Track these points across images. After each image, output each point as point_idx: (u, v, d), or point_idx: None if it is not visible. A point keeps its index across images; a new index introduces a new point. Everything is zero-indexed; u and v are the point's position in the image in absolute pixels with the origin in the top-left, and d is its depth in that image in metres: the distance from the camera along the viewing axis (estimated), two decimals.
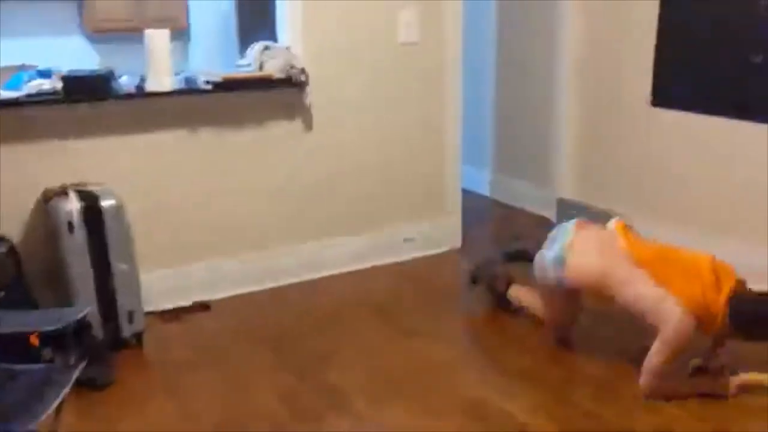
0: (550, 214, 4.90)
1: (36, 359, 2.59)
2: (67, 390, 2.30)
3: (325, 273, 4.07)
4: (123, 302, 3.23)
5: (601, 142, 4.59)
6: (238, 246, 3.88)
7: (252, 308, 3.74)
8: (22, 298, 3.10)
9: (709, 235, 3.91)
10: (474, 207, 5.01)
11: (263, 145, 3.84)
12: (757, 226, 3.70)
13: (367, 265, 4.19)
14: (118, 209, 3.19)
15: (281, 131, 3.88)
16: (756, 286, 3.57)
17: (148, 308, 3.49)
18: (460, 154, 4.42)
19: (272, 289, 3.93)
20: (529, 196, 5.14)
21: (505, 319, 3.55)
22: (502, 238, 4.80)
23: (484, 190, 5.51)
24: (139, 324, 3.30)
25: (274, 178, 3.92)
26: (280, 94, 3.80)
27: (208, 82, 3.56)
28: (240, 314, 3.67)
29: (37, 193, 3.31)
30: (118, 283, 3.21)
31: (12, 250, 3.16)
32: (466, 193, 4.59)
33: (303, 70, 3.74)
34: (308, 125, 3.93)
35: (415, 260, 4.31)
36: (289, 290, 3.93)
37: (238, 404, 2.88)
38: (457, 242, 4.51)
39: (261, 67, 3.70)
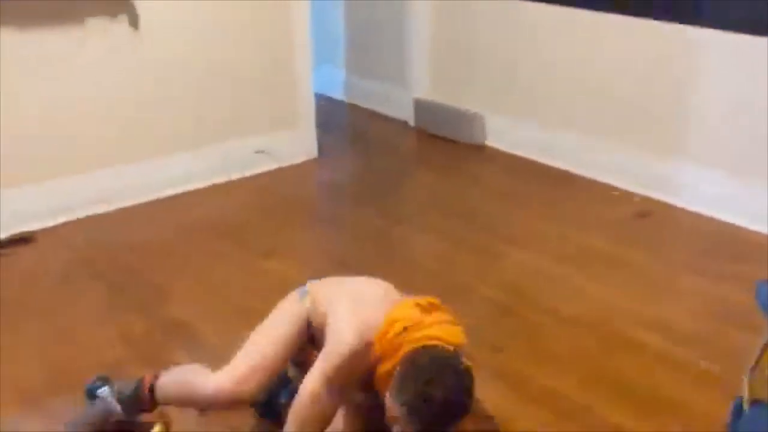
0: (408, 116, 4.68)
1: None
2: None
3: (168, 192, 3.65)
4: None
5: (458, 40, 4.37)
6: (63, 166, 3.37)
7: (82, 238, 3.29)
8: None
9: (563, 133, 3.87)
10: (329, 112, 4.70)
11: (82, 47, 3.30)
12: (621, 125, 3.68)
13: (215, 181, 3.81)
14: None
15: (103, 31, 3.33)
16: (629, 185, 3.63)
17: None
18: (311, 57, 4.06)
19: (107, 215, 3.48)
20: (385, 98, 4.88)
21: (366, 232, 3.36)
22: (360, 145, 4.56)
23: (339, 94, 5.19)
24: None
25: (101, 88, 3.40)
26: None
27: None
28: (68, 246, 3.22)
29: None
30: None
31: None
32: (319, 97, 4.26)
33: None
34: (135, 23, 3.41)
35: (268, 174, 3.98)
36: (126, 214, 3.50)
37: (74, 356, 2.50)
38: (313, 152, 4.20)
39: None
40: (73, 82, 3.33)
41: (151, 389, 2.03)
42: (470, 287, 2.86)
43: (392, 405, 1.78)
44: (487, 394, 2.12)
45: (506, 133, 4.20)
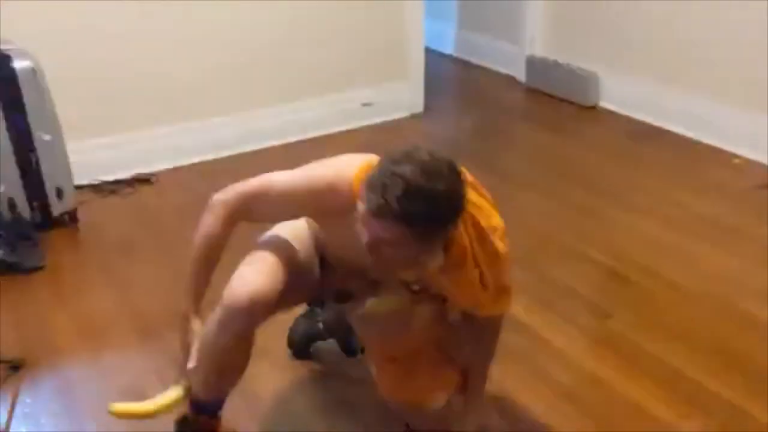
0: (519, 73, 4.57)
1: None
2: None
3: (275, 142, 3.73)
4: (50, 177, 2.89)
5: None
6: (180, 113, 3.51)
7: (197, 181, 3.40)
8: None
9: (690, 95, 3.68)
10: (437, 66, 4.64)
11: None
12: (747, 91, 3.46)
13: (322, 132, 3.85)
14: (35, 70, 2.77)
15: None
16: (751, 154, 3.44)
17: (82, 182, 3.16)
18: (422, 10, 4.01)
19: (218, 160, 3.60)
20: (496, 53, 4.78)
21: None
22: (467, 100, 4.50)
23: (448, 48, 5.12)
24: (70, 201, 2.98)
25: (215, 38, 3.48)
26: None
27: None
28: (184, 188, 3.35)
29: None
30: (43, 156, 2.85)
31: None
32: (427, 51, 4.22)
33: None
34: None
35: (374, 127, 3.99)
36: (236, 161, 3.60)
37: (179, 289, 2.61)
38: (419, 106, 4.18)
39: None
40: (195, 27, 3.42)
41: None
42: (577, 250, 2.80)
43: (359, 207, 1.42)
44: (594, 360, 2.09)
45: (621, 95, 4.04)
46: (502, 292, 1.68)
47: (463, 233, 1.53)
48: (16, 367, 2.21)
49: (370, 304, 1.73)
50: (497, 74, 4.77)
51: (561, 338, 2.32)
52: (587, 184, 3.33)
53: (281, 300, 1.64)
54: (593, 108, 4.15)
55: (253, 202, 1.65)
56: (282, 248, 1.70)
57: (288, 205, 1.63)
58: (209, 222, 1.66)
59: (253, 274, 1.61)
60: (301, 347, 2.20)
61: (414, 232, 1.37)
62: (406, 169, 1.35)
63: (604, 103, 4.14)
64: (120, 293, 2.60)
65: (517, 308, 2.45)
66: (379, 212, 1.35)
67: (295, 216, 1.74)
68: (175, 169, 3.49)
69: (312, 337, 2.19)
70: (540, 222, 3.04)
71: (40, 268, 2.71)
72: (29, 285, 2.63)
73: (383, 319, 1.75)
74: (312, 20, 3.69)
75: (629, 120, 3.97)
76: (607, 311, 2.44)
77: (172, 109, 3.48)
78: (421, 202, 1.34)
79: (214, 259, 1.68)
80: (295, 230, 1.76)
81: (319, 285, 1.80)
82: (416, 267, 1.51)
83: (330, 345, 2.20)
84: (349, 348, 2.15)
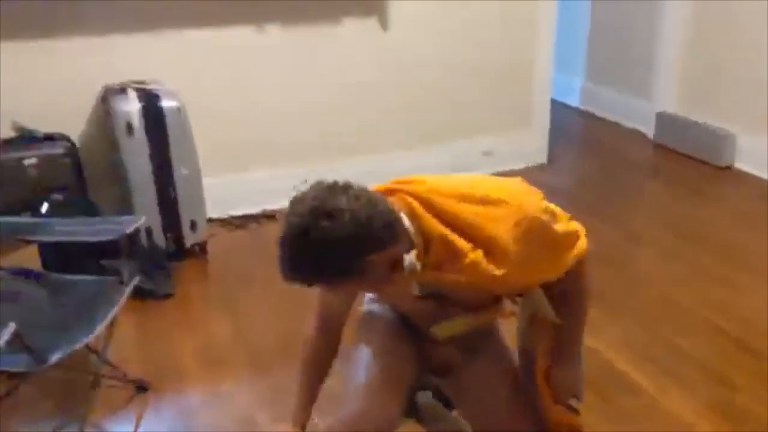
0: (648, 128, 4.46)
1: (93, 270, 2.46)
2: (121, 303, 2.18)
3: None
4: (185, 210, 3.07)
5: (710, 50, 4.07)
6: (307, 153, 3.64)
7: None
8: (81, 203, 2.97)
9: None
10: (562, 118, 4.60)
11: (335, 45, 3.52)
12: None
13: None
14: (180, 110, 2.97)
15: (355, 28, 3.54)
16: None
17: (213, 215, 3.33)
18: (552, 61, 4.00)
19: None
20: (624, 108, 4.68)
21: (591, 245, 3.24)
22: (592, 154, 4.42)
23: (574, 101, 5.07)
24: (202, 233, 3.15)
25: (345, 82, 3.61)
26: None
27: None
28: None
29: (95, 91, 3.13)
30: (180, 189, 3.04)
31: (71, 151, 3.01)
32: (553, 102, 4.19)
33: None
34: (384, 22, 3.57)
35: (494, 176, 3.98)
36: None
37: (298, 327, 2.69)
38: (542, 158, 4.15)
39: None
40: (323, 75, 3.57)
41: None
42: (703, 316, 2.67)
43: None
44: (709, 426, 1.98)
45: (759, 155, 3.85)
46: (556, 246, 1.54)
47: (432, 224, 1.47)
48: (142, 387, 2.34)
49: (436, 329, 1.69)
50: (624, 129, 4.67)
51: (681, 406, 2.21)
52: (718, 248, 3.18)
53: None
54: (728, 168, 3.98)
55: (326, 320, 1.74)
56: (388, 352, 1.71)
57: (348, 296, 1.72)
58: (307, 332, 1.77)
59: (377, 400, 1.62)
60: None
61: (330, 281, 1.44)
62: (286, 237, 1.38)
63: (740, 164, 3.96)
64: (240, 325, 2.71)
65: (635, 371, 2.38)
66: (292, 281, 1.41)
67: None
68: None
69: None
70: (664, 284, 2.92)
71: (171, 295, 2.88)
72: (159, 311, 2.79)
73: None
74: (439, 68, 3.76)
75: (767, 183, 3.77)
76: (733, 383, 2.31)
77: (299, 151, 3.62)
78: (309, 264, 1.37)
79: (319, 365, 1.73)
80: (385, 319, 1.77)
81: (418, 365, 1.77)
82: (392, 282, 1.47)
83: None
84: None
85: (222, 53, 3.34)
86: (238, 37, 3.34)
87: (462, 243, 1.46)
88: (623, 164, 4.23)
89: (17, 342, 1.79)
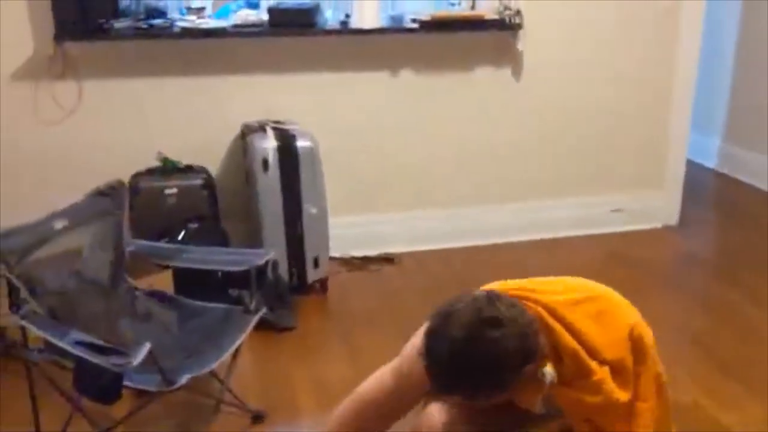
0: None
1: (221, 298, 2.55)
2: (246, 333, 2.23)
3: (521, 238, 3.74)
4: (310, 247, 3.14)
5: None
6: (431, 200, 3.66)
7: (438, 266, 3.51)
8: (214, 232, 3.09)
9: None
10: (695, 179, 4.40)
11: (467, 93, 3.54)
12: None
13: (568, 234, 3.80)
14: (313, 150, 3.07)
15: (488, 77, 3.55)
16: None
17: (333, 254, 3.39)
18: (689, 119, 3.86)
19: (461, 249, 3.67)
20: (763, 170, 4.43)
21: (723, 312, 3.05)
22: (727, 217, 4.19)
23: (710, 162, 4.85)
24: (324, 270, 3.20)
25: (476, 130, 3.62)
26: (491, 36, 3.47)
27: (414, 20, 3.31)
28: (425, 271, 3.46)
29: (235, 127, 3.28)
30: (307, 226, 3.11)
31: (209, 183, 3.16)
32: (687, 162, 4.02)
33: (518, 12, 3.39)
34: (517, 73, 3.57)
35: (622, 234, 3.85)
36: (479, 252, 3.66)
37: None
38: (673, 219, 3.98)
39: (473, 6, 3.39)
40: (452, 122, 3.59)
41: None
42: None
43: None
44: None
45: None
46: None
47: (565, 338, 1.43)
48: (259, 417, 2.38)
49: None
50: (761, 192, 4.41)
51: None
52: None
53: None
54: None
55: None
56: None
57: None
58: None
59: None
60: None
61: (486, 394, 1.39)
62: (445, 351, 1.35)
63: None
64: (356, 363, 2.71)
65: None
66: (447, 395, 1.43)
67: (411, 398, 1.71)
68: (418, 252, 3.62)
69: None
70: None
71: (291, 328, 2.93)
72: (278, 343, 2.84)
73: None
74: (572, 121, 3.71)
75: None
76: None
77: (422, 196, 3.64)
78: (473, 377, 1.34)
79: None
80: None
81: None
82: (526, 395, 1.45)
83: None
84: None
85: (356, 97, 3.43)
86: (372, 81, 3.43)
87: (590, 360, 1.43)
88: (759, 228, 3.98)
89: (150, 361, 1.87)
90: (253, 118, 3.24)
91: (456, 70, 3.51)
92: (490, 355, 1.32)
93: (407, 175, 3.60)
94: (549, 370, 1.40)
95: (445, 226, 3.68)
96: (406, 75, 3.46)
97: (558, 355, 1.43)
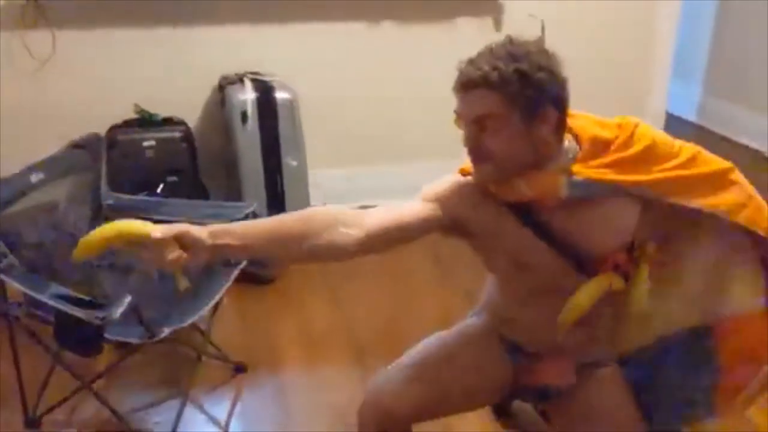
0: (765, 146, 4.23)
1: None
2: (227, 285, 2.24)
3: None
4: (291, 200, 3.13)
5: None
6: (413, 152, 3.64)
7: None
8: (194, 186, 3.08)
9: None
10: (674, 133, 4.40)
11: (448, 43, 3.51)
12: None
13: None
14: (292, 102, 3.04)
15: (469, 27, 3.51)
16: None
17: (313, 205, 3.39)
18: (669, 70, 3.86)
19: None
20: (746, 125, 4.45)
21: None
22: None
23: (690, 115, 4.86)
24: None
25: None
26: None
27: None
28: None
29: (213, 79, 3.24)
30: (287, 180, 3.10)
31: (187, 136, 3.12)
32: (668, 116, 4.03)
33: None
34: (498, 23, 3.54)
35: None
36: None
37: (398, 318, 2.72)
38: None
39: None
40: (432, 73, 3.54)
41: None
42: None
43: None
44: None
45: None
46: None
47: (583, 123, 1.49)
48: (240, 368, 2.41)
49: (563, 314, 1.52)
50: (740, 146, 4.45)
51: None
52: None
53: (446, 408, 1.60)
54: None
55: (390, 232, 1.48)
56: (440, 355, 1.62)
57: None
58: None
59: (390, 384, 1.56)
60: (500, 406, 2.16)
61: (506, 94, 1.35)
62: (490, 45, 1.40)
63: None
64: (339, 311, 2.75)
65: None
66: (467, 83, 1.38)
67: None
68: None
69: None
70: None
71: (272, 280, 2.94)
72: (260, 295, 2.86)
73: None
74: None
75: None
76: None
77: (405, 149, 3.63)
78: (506, 59, 1.36)
79: (287, 231, 1.40)
80: (461, 331, 1.70)
81: (507, 382, 1.66)
82: (534, 147, 1.41)
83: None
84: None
85: (335, 48, 3.39)
86: (352, 32, 3.38)
87: (608, 136, 1.46)
88: None
89: (131, 314, 1.88)
90: (231, 70, 3.20)
91: (437, 20, 3.47)
92: (520, 55, 1.37)
93: (388, 127, 3.58)
94: (567, 141, 1.45)
95: (425, 178, 3.66)
96: (387, 25, 3.42)
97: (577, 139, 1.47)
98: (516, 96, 1.36)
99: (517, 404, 2.13)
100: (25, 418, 2.11)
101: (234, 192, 3.15)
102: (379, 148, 3.61)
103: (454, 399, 1.59)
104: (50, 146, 2.28)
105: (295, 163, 3.08)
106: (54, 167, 2.19)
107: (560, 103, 1.41)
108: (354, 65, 3.44)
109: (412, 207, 1.50)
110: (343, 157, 3.57)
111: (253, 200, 2.98)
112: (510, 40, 1.42)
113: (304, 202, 3.17)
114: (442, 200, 1.50)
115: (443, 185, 1.52)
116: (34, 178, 2.11)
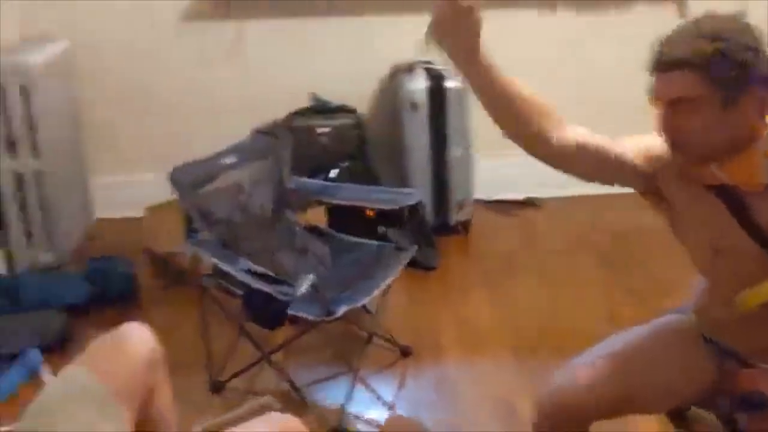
0: None
1: (369, 234, 2.63)
2: (398, 270, 2.30)
3: None
4: (455, 189, 3.16)
5: None
6: None
7: (585, 213, 3.43)
8: (363, 171, 3.17)
9: None
10: None
11: (627, 29, 3.38)
12: None
13: None
14: (463, 92, 3.05)
15: (649, 16, 3.38)
16: None
17: (477, 196, 3.39)
18: None
19: (611, 196, 3.54)
20: None
21: None
22: None
23: None
24: (467, 212, 3.23)
25: (639, 71, 3.45)
26: None
27: None
28: (571, 218, 3.41)
29: (385, 68, 3.32)
30: (453, 168, 3.13)
31: (358, 123, 3.23)
32: None
33: None
34: (682, 10, 3.36)
35: None
36: (628, 201, 3.52)
37: (558, 316, 2.67)
38: None
39: None
40: (616, 62, 3.43)
41: None
42: None
43: None
44: None
45: None
46: None
47: None
48: (407, 353, 2.47)
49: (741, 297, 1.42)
50: None
51: None
52: None
53: (635, 407, 1.54)
54: None
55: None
56: (634, 347, 1.55)
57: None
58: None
59: (577, 379, 1.50)
60: (676, 411, 2.06)
61: (708, 75, 1.26)
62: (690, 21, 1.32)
63: None
64: (499, 306, 2.74)
65: None
66: (666, 62, 1.30)
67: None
68: (564, 199, 3.55)
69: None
70: None
71: (435, 268, 2.99)
72: (423, 282, 2.91)
73: None
74: None
75: None
76: None
77: None
78: (708, 38, 1.26)
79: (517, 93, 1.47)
80: (659, 327, 1.61)
81: (707, 385, 1.55)
82: (735, 130, 1.31)
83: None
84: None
85: (509, 34, 3.35)
86: (527, 17, 3.35)
87: None
88: None
89: (312, 292, 1.98)
90: (402, 59, 3.26)
91: (615, 5, 3.35)
92: (722, 33, 1.29)
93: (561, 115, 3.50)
94: None
95: None
96: (563, 11, 3.35)
97: None
98: (719, 77, 1.28)
99: (695, 411, 2.03)
100: (210, 382, 2.28)
101: (399, 178, 3.22)
102: None
103: (645, 398, 1.53)
104: (235, 131, 2.44)
105: (461, 152, 3.10)
106: (243, 151, 2.34)
107: (766, 84, 1.31)
108: (527, 52, 3.39)
109: (623, 146, 1.48)
110: (509, 147, 3.51)
111: (420, 186, 3.05)
112: (711, 17, 1.33)
113: (468, 191, 3.18)
114: (653, 158, 1.45)
115: (652, 142, 1.45)
116: (226, 160, 2.27)
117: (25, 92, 2.73)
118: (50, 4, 3.16)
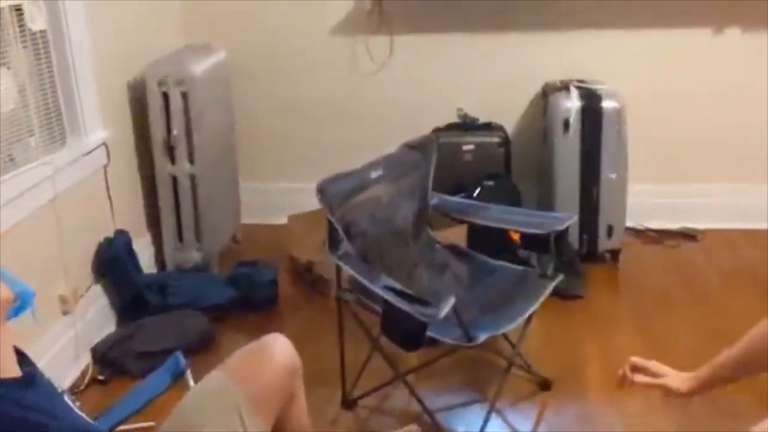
0: None
1: (510, 257, 2.51)
2: (542, 298, 2.18)
3: None
4: (605, 214, 2.99)
5: None
6: (747, 173, 3.27)
7: (749, 248, 3.16)
8: (508, 191, 3.07)
9: None
10: None
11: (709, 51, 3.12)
12: None
13: None
14: (620, 112, 2.89)
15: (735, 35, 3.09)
16: None
17: (628, 224, 3.19)
18: None
19: None
20: None
21: None
22: None
23: None
24: (617, 240, 3.04)
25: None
26: None
27: None
28: (733, 252, 3.14)
29: (537, 86, 3.20)
30: (604, 193, 2.96)
31: (505, 141, 3.13)
32: None
33: None
34: None
35: None
36: None
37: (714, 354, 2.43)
38: None
39: None
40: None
41: None
42: None
43: None
44: None
45: None
46: None
47: None
48: (545, 385, 2.33)
49: None
50: None
51: None
52: None
53: None
54: None
55: None
56: None
57: None
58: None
59: None
60: None
61: None
62: None
63: None
64: (648, 343, 2.55)
65: None
66: None
67: None
68: (724, 231, 3.28)
69: None
70: None
71: (580, 297, 2.83)
72: (565, 311, 2.76)
73: None
74: None
75: None
76: None
77: (736, 169, 3.28)
78: None
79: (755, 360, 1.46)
80: None
81: None
82: None
83: None
84: None
85: (671, 56, 3.16)
86: (692, 39, 3.13)
87: None
88: None
89: (452, 315, 1.89)
90: (555, 77, 3.13)
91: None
92: None
93: (721, 144, 3.25)
94: None
95: (761, 203, 3.27)
96: (732, 33, 3.10)
97: None
98: None
99: None
100: (343, 398, 2.25)
101: (544, 199, 3.09)
102: (707, 166, 3.30)
103: None
104: (381, 143, 2.41)
105: (614, 176, 2.93)
106: (390, 165, 2.30)
107: None
108: (690, 76, 3.18)
109: None
110: (665, 173, 3.32)
111: (567, 210, 2.90)
112: None
113: (619, 217, 3.00)
114: None
115: None
116: (374, 174, 2.24)
117: (185, 98, 2.83)
118: (210, 15, 3.29)
